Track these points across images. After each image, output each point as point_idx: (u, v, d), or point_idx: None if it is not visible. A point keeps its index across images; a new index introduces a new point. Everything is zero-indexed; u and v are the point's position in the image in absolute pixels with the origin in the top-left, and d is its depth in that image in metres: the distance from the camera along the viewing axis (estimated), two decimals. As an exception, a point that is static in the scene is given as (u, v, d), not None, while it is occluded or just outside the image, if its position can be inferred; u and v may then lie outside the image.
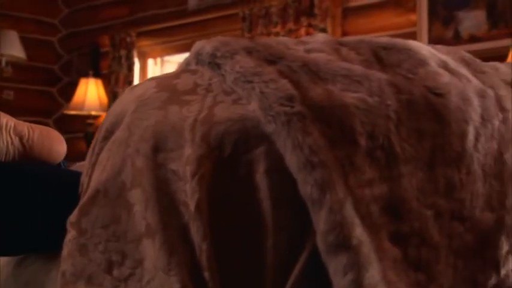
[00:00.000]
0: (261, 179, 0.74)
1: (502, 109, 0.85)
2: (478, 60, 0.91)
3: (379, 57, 0.85)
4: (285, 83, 0.77)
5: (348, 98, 0.77)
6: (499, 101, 0.85)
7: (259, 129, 0.75)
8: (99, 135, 0.86)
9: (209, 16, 4.46)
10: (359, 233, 0.72)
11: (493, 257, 0.80)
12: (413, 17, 3.68)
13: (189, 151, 0.75)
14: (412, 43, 0.87)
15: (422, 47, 0.87)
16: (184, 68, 0.88)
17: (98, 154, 0.84)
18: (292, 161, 0.73)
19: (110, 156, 0.80)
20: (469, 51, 0.89)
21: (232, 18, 4.29)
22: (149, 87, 0.83)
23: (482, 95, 0.84)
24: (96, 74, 4.81)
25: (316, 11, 3.86)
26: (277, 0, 4.02)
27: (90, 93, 4.58)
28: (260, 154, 0.75)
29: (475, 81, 0.86)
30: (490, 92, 0.85)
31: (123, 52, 4.77)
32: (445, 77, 0.83)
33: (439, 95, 0.81)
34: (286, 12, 3.98)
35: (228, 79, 0.80)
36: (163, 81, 0.84)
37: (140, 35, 4.76)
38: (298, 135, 0.73)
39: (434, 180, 0.78)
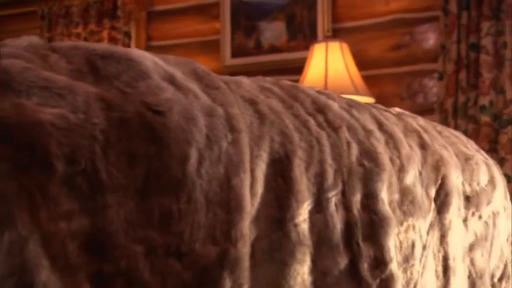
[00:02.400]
0: None
1: (232, 129, 0.76)
2: (213, 75, 0.82)
3: (95, 67, 0.73)
4: (-40, 95, 0.63)
5: (44, 114, 0.65)
6: (229, 121, 0.77)
7: None
8: None
9: (6, 12, 4.15)
10: (45, 277, 0.60)
11: (214, 296, 0.71)
12: (217, 25, 3.65)
13: None
14: (135, 52, 0.76)
15: (146, 57, 0.76)
16: None
17: None
18: (-36, 191, 0.59)
19: None
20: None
21: (31, 16, 4.03)
22: None
23: (210, 114, 0.75)
24: None
25: (119, 13, 3.71)
26: (79, 0, 3.82)
27: None
28: None
29: (204, 97, 0.77)
30: (220, 111, 0.77)
31: None
32: (168, 93, 0.73)
33: (159, 112, 0.71)
34: (87, 13, 3.79)
35: None
36: None
37: None
38: (-28, 160, 0.60)
39: (147, 211, 0.68)
